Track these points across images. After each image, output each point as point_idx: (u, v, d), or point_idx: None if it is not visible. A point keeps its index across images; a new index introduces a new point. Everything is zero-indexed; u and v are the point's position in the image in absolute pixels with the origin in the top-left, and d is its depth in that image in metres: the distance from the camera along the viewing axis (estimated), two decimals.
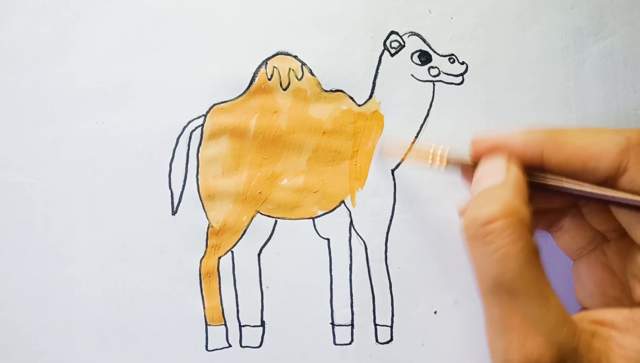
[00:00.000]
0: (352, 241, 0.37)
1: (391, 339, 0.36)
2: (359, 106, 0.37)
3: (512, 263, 0.25)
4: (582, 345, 0.25)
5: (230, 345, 0.36)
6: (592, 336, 0.26)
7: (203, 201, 0.37)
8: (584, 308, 0.33)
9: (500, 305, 0.26)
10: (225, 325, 0.37)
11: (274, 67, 0.37)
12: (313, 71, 0.37)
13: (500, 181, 0.28)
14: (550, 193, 0.30)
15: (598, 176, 0.28)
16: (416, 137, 0.37)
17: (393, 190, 0.37)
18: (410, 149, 0.36)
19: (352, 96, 0.37)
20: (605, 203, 0.29)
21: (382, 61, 0.37)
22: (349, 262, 0.37)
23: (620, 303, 0.31)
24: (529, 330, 0.25)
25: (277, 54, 0.37)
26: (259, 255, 0.37)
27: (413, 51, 0.37)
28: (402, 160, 0.37)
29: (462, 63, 0.37)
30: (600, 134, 0.28)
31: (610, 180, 0.28)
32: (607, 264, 0.32)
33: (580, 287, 0.33)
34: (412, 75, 0.37)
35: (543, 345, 0.25)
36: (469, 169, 0.32)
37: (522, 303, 0.25)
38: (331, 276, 0.37)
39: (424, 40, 0.37)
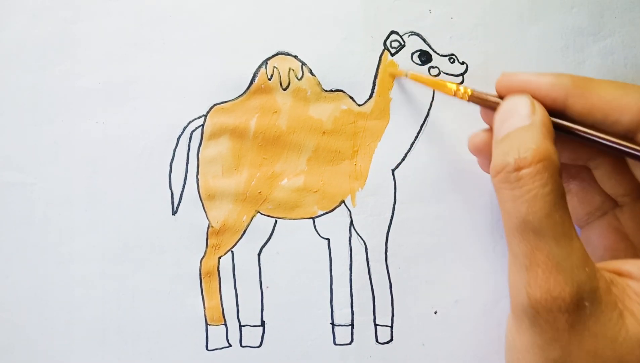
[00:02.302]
0: (352, 241, 0.37)
1: (391, 339, 0.36)
2: (359, 105, 0.37)
3: (540, 204, 0.26)
4: (602, 287, 0.26)
5: (230, 345, 0.36)
6: (611, 282, 0.27)
7: (203, 201, 0.37)
8: None
9: (527, 244, 0.26)
10: (225, 324, 0.36)
11: (274, 67, 0.37)
12: (313, 71, 0.37)
13: (527, 122, 0.28)
14: (570, 140, 0.30)
15: (618, 129, 0.28)
16: (416, 137, 0.37)
17: (393, 190, 0.37)
18: (436, 81, 0.35)
19: (352, 95, 0.37)
20: (627, 155, 0.29)
21: (382, 61, 0.37)
22: (349, 262, 0.37)
23: None
24: (552, 267, 0.26)
25: (277, 54, 0.37)
26: (259, 255, 0.37)
27: (413, 50, 0.37)
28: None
29: (462, 63, 0.37)
30: (626, 88, 0.29)
31: (629, 134, 0.28)
32: (619, 229, 0.32)
33: (590, 253, 0.33)
34: None
35: (564, 282, 0.25)
36: (490, 109, 0.32)
37: (547, 242, 0.26)
38: (331, 276, 0.37)
39: (424, 40, 0.37)
